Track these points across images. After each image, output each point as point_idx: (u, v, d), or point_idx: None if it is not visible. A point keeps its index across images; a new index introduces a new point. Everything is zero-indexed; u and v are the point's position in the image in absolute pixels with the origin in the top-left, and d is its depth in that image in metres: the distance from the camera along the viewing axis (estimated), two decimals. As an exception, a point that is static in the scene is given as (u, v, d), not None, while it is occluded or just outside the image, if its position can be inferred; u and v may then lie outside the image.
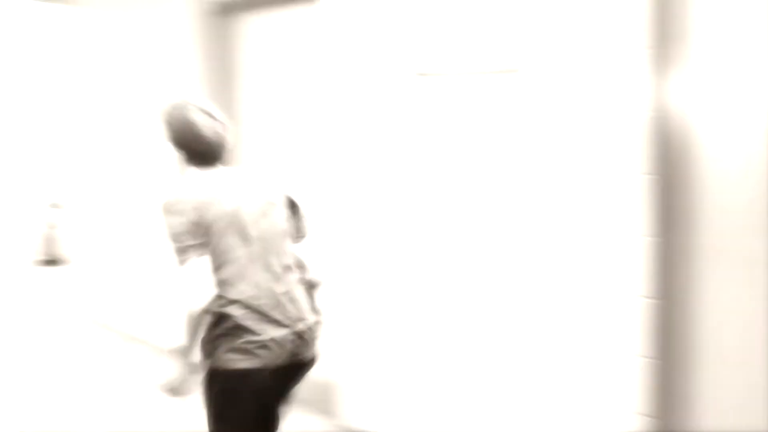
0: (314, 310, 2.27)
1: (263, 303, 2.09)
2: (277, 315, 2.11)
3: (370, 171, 3.12)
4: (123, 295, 5.04)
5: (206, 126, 2.17)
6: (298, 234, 2.36)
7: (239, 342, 2.04)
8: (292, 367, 2.18)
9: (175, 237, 2.02)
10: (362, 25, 3.06)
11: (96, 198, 5.22)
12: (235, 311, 2.05)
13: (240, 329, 2.05)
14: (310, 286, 2.30)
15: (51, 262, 7.01)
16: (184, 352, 2.06)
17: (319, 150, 3.57)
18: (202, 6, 4.00)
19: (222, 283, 2.06)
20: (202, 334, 2.07)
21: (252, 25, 3.86)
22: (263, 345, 2.06)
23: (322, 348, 3.14)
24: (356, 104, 3.14)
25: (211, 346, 2.08)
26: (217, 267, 2.07)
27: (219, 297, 2.06)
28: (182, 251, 2.01)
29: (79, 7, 5.19)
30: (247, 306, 2.07)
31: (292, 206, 2.35)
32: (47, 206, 7.36)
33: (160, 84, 4.43)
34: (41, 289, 6.61)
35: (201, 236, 2.04)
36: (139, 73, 4.59)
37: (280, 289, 2.14)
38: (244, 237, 2.11)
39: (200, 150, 2.17)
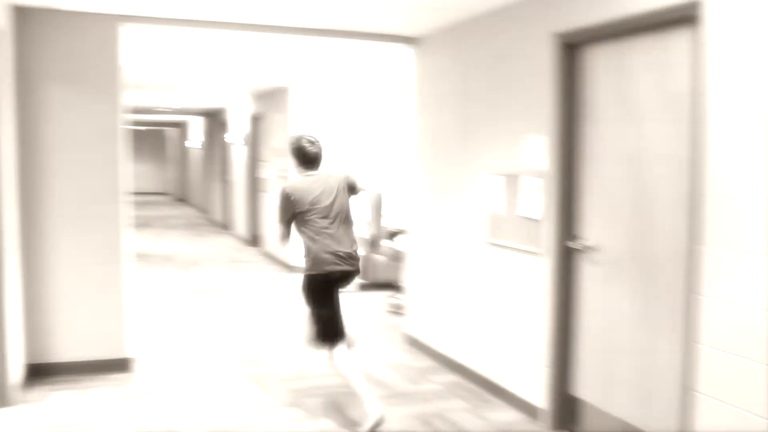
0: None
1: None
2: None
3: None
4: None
5: (308, 148, 4.19)
6: (355, 192, 4.27)
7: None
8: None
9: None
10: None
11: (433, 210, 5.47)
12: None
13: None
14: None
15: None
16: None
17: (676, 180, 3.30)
18: (554, 39, 3.92)
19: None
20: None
21: (605, 55, 3.72)
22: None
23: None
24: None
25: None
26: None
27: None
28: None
29: (421, 47, 5.57)
30: None
31: (352, 186, 4.23)
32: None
33: (514, 115, 4.38)
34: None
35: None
36: (493, 105, 4.64)
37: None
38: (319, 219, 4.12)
39: (304, 160, 4.21)
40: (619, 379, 3.67)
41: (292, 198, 4.12)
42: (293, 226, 4.18)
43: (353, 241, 4.21)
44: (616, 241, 3.67)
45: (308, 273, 4.12)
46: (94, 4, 4.57)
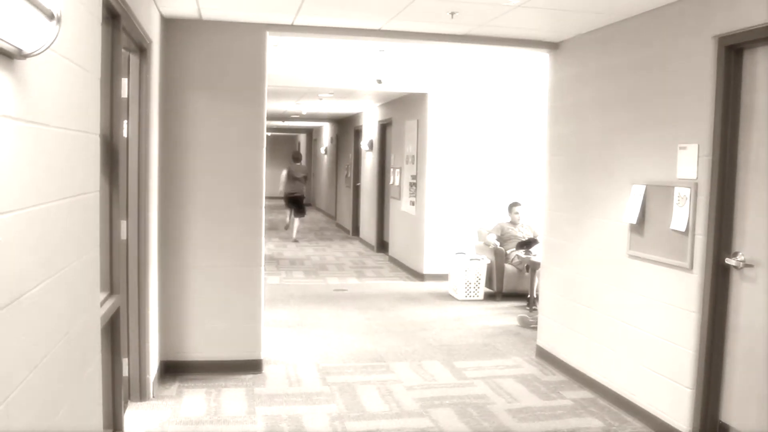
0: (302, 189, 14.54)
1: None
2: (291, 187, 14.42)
3: None
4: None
5: (298, 155, 15.27)
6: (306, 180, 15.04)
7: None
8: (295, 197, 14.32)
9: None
10: None
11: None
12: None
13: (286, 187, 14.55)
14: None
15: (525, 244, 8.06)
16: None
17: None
18: (716, 41, 3.68)
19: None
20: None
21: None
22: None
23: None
24: None
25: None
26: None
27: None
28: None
29: (559, 52, 5.41)
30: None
31: (305, 174, 14.95)
32: (510, 205, 8.77)
33: (663, 122, 4.15)
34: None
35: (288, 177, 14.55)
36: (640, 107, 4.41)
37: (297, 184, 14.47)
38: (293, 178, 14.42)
39: (294, 159, 14.98)
40: (779, 409, 3.38)
41: (288, 171, 14.29)
42: (285, 178, 14.27)
43: (301, 188, 14.25)
44: (780, 259, 3.38)
45: (284, 194, 14.34)
46: (243, 14, 4.77)
